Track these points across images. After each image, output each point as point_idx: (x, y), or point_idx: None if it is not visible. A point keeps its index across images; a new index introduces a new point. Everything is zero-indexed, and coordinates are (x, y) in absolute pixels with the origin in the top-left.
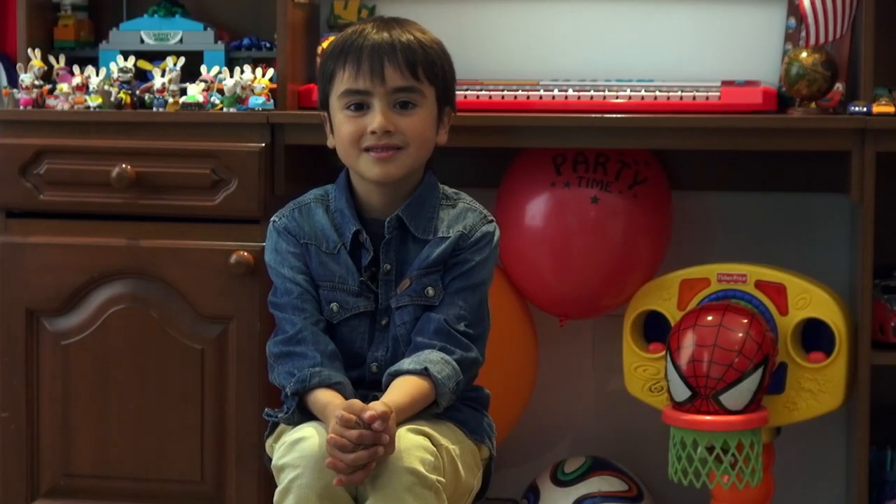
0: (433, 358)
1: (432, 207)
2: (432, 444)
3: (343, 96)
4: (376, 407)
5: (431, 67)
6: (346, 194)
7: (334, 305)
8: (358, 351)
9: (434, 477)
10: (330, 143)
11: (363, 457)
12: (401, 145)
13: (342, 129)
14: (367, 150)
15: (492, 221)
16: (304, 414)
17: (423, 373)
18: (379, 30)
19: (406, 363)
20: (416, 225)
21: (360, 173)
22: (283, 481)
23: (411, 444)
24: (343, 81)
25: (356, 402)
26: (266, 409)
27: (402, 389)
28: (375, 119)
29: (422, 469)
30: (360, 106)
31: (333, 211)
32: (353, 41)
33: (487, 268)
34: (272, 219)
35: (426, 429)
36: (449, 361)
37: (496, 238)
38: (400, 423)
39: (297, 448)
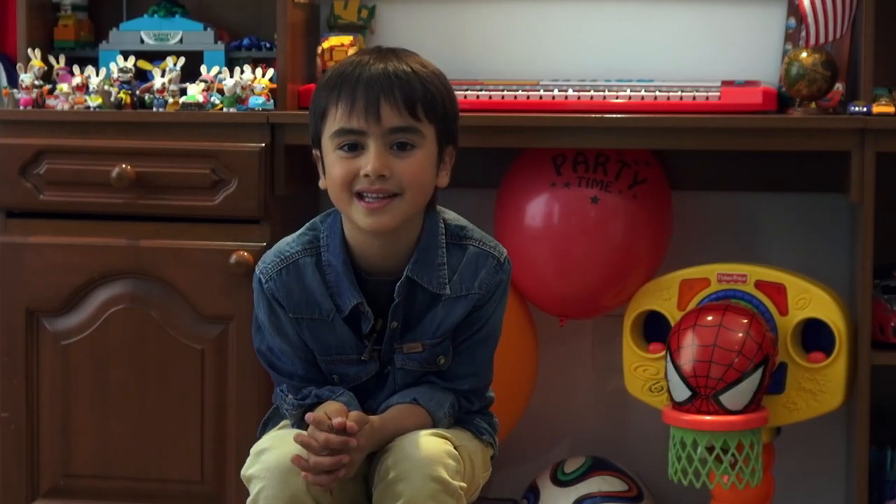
0: (422, 389)
1: (441, 250)
2: (454, 447)
3: (336, 136)
4: (353, 417)
5: (432, 105)
6: (343, 254)
7: (335, 377)
8: (365, 409)
9: (457, 483)
10: (322, 184)
11: (324, 463)
12: (395, 192)
13: (334, 170)
14: (360, 195)
15: (504, 262)
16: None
17: (412, 402)
18: (374, 63)
19: (395, 397)
20: (427, 279)
21: (351, 221)
22: (251, 492)
23: (436, 449)
24: (336, 120)
25: (333, 405)
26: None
27: (394, 410)
28: (370, 162)
29: (446, 476)
30: (353, 146)
31: (325, 265)
32: (348, 75)
33: (499, 313)
34: (257, 274)
35: (446, 433)
36: (437, 390)
37: (509, 280)
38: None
39: (260, 459)
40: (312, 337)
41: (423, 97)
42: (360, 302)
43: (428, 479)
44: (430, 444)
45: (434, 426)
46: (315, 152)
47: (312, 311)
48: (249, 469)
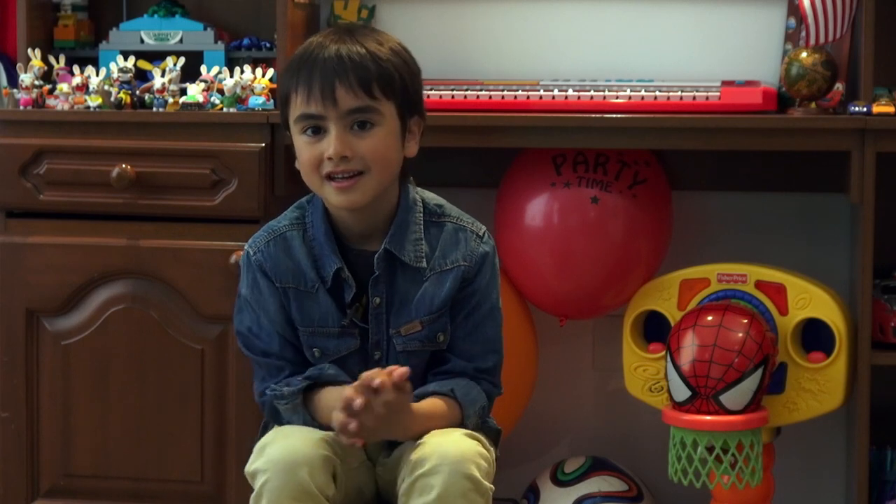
0: (459, 382)
1: (417, 226)
2: (484, 448)
3: (299, 121)
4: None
5: (388, 83)
6: (324, 224)
7: (316, 351)
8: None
9: (487, 483)
10: (298, 165)
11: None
12: (361, 169)
13: (302, 154)
14: (329, 177)
15: (484, 235)
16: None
17: (450, 394)
18: (330, 45)
19: (431, 386)
20: (405, 252)
21: (325, 200)
22: (255, 485)
23: (469, 448)
24: (297, 105)
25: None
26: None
27: (426, 403)
28: (331, 145)
29: (478, 475)
30: (316, 130)
31: (311, 239)
32: (305, 61)
33: (495, 288)
34: (246, 248)
35: (477, 434)
36: (474, 386)
37: (495, 253)
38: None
39: (265, 453)
40: (296, 307)
41: (378, 76)
42: (340, 267)
43: (461, 477)
44: (464, 443)
45: (461, 421)
46: (287, 134)
47: (298, 281)
48: (253, 464)
